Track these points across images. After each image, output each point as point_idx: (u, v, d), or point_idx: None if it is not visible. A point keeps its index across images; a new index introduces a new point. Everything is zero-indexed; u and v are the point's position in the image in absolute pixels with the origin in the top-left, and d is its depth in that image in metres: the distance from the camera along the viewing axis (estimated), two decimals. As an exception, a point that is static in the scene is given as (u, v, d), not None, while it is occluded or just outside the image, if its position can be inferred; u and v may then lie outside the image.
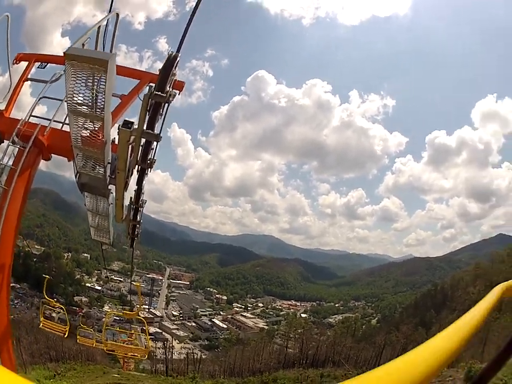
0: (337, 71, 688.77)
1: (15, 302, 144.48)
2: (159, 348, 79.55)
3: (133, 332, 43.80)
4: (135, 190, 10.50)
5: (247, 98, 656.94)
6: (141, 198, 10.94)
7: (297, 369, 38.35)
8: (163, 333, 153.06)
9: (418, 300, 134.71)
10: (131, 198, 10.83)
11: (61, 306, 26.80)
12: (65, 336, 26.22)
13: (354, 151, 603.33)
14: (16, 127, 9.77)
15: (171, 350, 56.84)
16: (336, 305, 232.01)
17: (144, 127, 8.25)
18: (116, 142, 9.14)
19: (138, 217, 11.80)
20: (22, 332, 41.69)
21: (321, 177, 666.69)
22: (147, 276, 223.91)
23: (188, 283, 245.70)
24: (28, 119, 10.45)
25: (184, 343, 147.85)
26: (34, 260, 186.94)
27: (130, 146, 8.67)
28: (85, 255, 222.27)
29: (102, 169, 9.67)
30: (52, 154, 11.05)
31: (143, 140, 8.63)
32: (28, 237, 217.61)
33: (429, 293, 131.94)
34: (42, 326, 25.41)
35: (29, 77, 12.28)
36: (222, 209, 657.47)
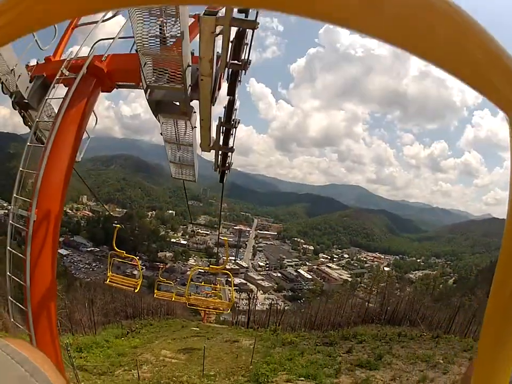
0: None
1: (93, 265, 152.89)
2: (242, 299, 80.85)
3: (217, 285, 43.55)
4: (224, 107, 8.13)
5: (322, 50, 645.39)
6: (234, 115, 8.37)
7: (375, 325, 37.83)
8: (248, 283, 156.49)
9: (493, 264, 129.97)
10: (220, 118, 8.37)
11: (133, 257, 24.69)
12: (136, 290, 23.05)
13: (434, 101, 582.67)
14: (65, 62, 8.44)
15: (254, 301, 57.08)
16: (418, 260, 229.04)
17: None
18: (195, 53, 7.41)
19: (230, 142, 9.16)
20: (97, 293, 42.71)
21: (405, 126, 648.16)
22: (234, 227, 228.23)
23: (275, 234, 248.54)
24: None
25: (268, 294, 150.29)
26: (115, 222, 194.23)
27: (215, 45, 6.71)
28: (170, 211, 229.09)
29: (180, 77, 7.49)
30: (116, 85, 9.48)
31: (232, 35, 6.66)
32: (108, 202, 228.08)
33: None
34: (109, 281, 22.39)
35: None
36: (308, 159, 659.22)
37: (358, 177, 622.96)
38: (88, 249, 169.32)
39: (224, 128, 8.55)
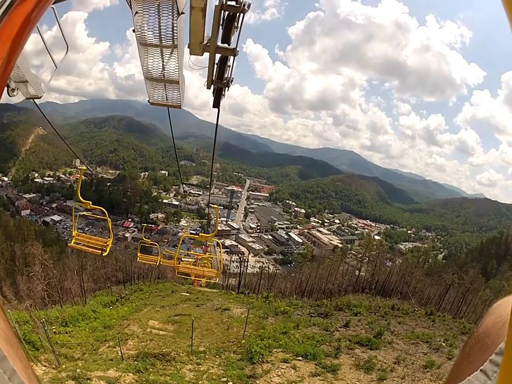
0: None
1: (86, 229, 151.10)
2: (233, 262, 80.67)
3: (208, 247, 42.57)
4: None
5: (322, 14, 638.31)
6: None
7: (366, 295, 38.40)
8: (239, 245, 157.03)
9: (484, 245, 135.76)
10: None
11: (101, 208, 18.68)
12: (104, 254, 18.57)
13: (434, 75, 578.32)
14: None
15: (245, 264, 56.86)
16: (409, 232, 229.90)
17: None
18: None
19: (232, 40, 5.97)
20: (88, 259, 41.02)
21: (402, 96, 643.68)
22: (226, 188, 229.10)
23: (267, 195, 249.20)
24: None
25: (259, 257, 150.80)
26: (108, 184, 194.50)
27: None
28: (163, 172, 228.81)
29: None
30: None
31: None
32: (101, 164, 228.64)
33: (494, 240, 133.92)
34: (74, 243, 17.99)
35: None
36: (303, 121, 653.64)
37: (352, 142, 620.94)
38: (81, 213, 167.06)
39: (226, 14, 5.63)
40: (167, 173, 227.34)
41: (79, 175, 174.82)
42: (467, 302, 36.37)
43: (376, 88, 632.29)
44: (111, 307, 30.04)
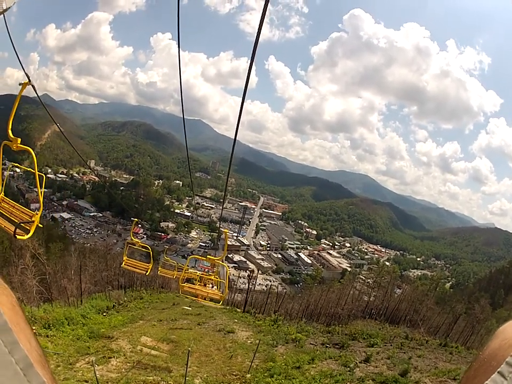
0: (434, 17, 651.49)
1: (94, 230, 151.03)
2: (240, 277, 79.17)
3: (213, 276, 40.89)
4: None
5: (345, 36, 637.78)
6: None
7: (374, 322, 37.57)
8: (247, 262, 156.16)
9: (492, 275, 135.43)
10: None
11: (29, 149, 9.55)
12: (23, 237, 10.52)
13: (452, 101, 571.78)
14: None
15: (254, 281, 55.46)
16: (418, 259, 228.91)
17: None
18: None
19: None
20: (91, 260, 40.24)
21: (420, 123, 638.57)
22: (240, 203, 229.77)
23: (280, 214, 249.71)
24: None
25: (267, 275, 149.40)
26: (121, 188, 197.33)
27: None
28: (177, 182, 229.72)
29: None
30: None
31: None
32: (115, 168, 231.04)
33: (502, 270, 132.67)
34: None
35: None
36: (321, 143, 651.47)
37: (367, 166, 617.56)
38: (91, 214, 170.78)
39: None
40: (181, 183, 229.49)
41: (93, 176, 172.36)
42: (475, 332, 35.65)
43: (394, 113, 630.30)
44: (104, 313, 27.71)
